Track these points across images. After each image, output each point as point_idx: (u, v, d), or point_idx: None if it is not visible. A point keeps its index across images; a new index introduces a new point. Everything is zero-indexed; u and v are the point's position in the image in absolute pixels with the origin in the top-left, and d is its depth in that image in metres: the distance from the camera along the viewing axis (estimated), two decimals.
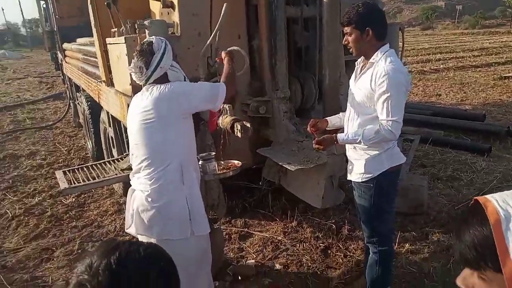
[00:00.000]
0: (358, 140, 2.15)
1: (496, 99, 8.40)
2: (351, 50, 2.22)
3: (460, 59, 14.85)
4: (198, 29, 3.13)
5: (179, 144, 2.03)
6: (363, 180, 2.26)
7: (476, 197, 0.73)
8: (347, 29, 2.17)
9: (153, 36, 2.15)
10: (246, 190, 3.85)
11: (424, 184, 3.71)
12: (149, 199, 1.99)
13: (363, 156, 2.26)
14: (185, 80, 2.17)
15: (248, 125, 2.77)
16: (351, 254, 3.03)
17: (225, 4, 2.75)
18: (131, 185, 2.14)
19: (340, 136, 2.25)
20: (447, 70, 12.42)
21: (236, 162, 2.58)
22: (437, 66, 13.09)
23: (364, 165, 2.24)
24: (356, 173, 2.30)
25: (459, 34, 31.60)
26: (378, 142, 2.13)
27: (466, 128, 5.96)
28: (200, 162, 2.34)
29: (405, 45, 4.19)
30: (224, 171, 2.48)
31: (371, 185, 2.24)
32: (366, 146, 2.22)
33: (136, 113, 2.03)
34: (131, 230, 2.10)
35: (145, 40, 2.15)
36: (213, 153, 2.51)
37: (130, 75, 2.16)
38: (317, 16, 3.43)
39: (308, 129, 2.51)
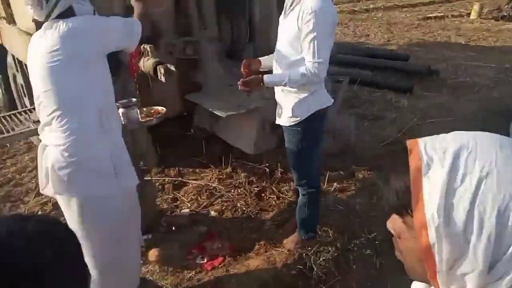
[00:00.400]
0: (284, 83, 2.10)
1: (420, 39, 8.76)
2: None
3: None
4: None
5: (96, 88, 1.79)
6: (291, 124, 2.25)
7: (408, 140, 0.69)
8: None
9: None
10: (179, 138, 3.70)
11: (351, 124, 3.83)
12: (66, 154, 1.76)
13: (290, 100, 2.21)
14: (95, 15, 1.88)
15: (173, 68, 2.57)
16: (284, 196, 3.10)
17: None
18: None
19: (267, 77, 2.17)
20: (376, 10, 12.63)
21: (159, 108, 2.41)
22: (367, 6, 13.24)
23: (291, 109, 2.21)
24: (284, 117, 2.27)
25: None
26: (304, 84, 2.09)
27: (392, 68, 6.17)
28: (121, 110, 2.14)
29: None
30: (148, 118, 2.30)
31: (299, 128, 2.23)
32: (294, 89, 2.17)
33: (40, 54, 1.73)
34: (47, 190, 1.88)
35: None
36: (134, 99, 2.28)
37: None
38: None
39: (242, 70, 2.36)
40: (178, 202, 3.08)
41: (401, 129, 4.27)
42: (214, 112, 2.79)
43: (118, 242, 1.92)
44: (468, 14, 11.38)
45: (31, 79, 1.84)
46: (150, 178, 3.01)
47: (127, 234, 1.99)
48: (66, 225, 0.70)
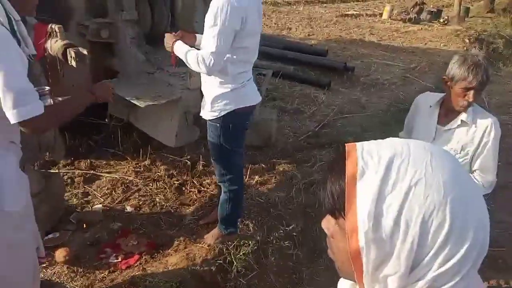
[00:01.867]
0: (183, 56, 2.10)
1: (337, 35, 9.20)
2: None
3: None
4: None
5: None
6: (210, 118, 2.22)
7: (346, 143, 0.71)
8: None
9: None
10: (92, 127, 3.39)
11: (273, 117, 3.89)
12: None
13: (211, 93, 2.18)
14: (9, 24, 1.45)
15: (85, 52, 2.34)
16: (205, 189, 3.04)
17: None
18: None
19: (178, 43, 2.14)
20: (298, 4, 12.99)
21: None
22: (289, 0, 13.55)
23: (211, 103, 2.18)
24: (206, 111, 2.24)
25: None
26: (194, 68, 2.09)
27: (312, 63, 6.39)
28: None
29: None
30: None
31: (217, 124, 2.21)
32: (215, 84, 2.15)
33: None
34: None
35: None
36: (47, 88, 1.99)
37: None
38: None
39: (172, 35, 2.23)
40: (89, 197, 2.86)
41: (319, 123, 4.46)
42: (132, 101, 2.62)
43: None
44: (381, 14, 12.22)
45: None
46: (57, 171, 2.74)
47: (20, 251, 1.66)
48: None
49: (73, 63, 2.40)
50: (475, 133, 1.95)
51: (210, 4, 1.99)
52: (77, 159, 3.21)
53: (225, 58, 2.06)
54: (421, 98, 2.16)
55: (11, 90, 1.38)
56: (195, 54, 2.03)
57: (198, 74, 2.65)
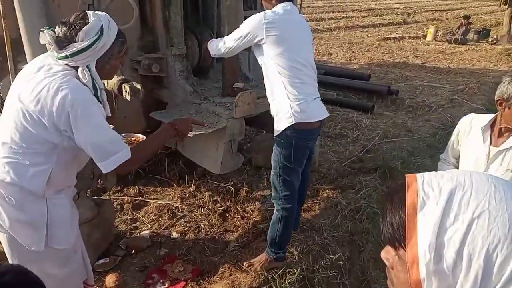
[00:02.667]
0: (212, 45, 2.48)
1: (380, 59, 9.12)
2: None
3: (350, 19, 15.69)
4: None
5: (61, 157, 1.58)
6: (275, 134, 2.37)
7: (407, 174, 0.72)
8: None
9: (96, 12, 1.61)
10: None
11: (316, 143, 3.88)
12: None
13: (275, 111, 2.37)
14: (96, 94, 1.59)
15: (139, 86, 2.50)
16: (249, 215, 3.07)
17: None
18: None
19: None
20: (338, 30, 13.06)
21: (140, 136, 2.23)
22: (329, 25, 13.67)
23: (276, 120, 2.36)
24: (274, 129, 2.40)
25: None
26: (213, 44, 2.47)
27: (354, 87, 6.36)
28: None
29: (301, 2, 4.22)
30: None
31: (280, 140, 2.34)
32: (274, 100, 2.35)
33: (22, 85, 1.55)
34: None
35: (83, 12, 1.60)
36: (111, 125, 2.09)
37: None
38: None
39: None
40: (137, 223, 2.96)
41: (364, 147, 4.39)
42: None
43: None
44: (424, 36, 12.00)
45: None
46: (108, 198, 2.88)
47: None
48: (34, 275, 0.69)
49: (128, 97, 2.56)
50: None
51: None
52: (126, 186, 3.36)
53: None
54: (466, 120, 2.09)
55: (99, 146, 1.54)
56: (219, 39, 2.47)
57: (243, 103, 2.75)
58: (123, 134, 2.22)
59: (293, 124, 2.26)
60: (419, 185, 0.68)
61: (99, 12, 1.61)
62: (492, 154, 1.94)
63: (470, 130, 2.05)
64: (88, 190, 2.80)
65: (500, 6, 12.89)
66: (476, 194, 0.64)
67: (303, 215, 3.10)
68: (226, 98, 2.97)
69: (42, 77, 1.52)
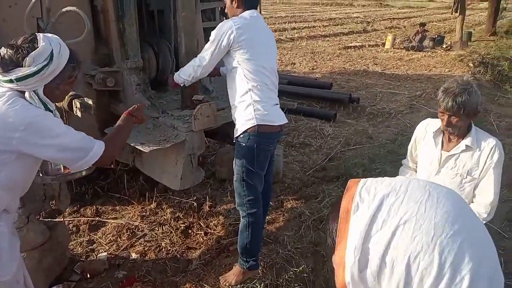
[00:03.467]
0: (180, 80, 2.50)
1: (341, 67, 9.32)
2: None
3: (312, 29, 16.00)
4: None
5: (5, 177, 1.49)
6: (235, 137, 2.39)
7: (350, 179, 0.73)
8: None
9: (47, 35, 1.53)
10: (98, 173, 3.43)
11: (280, 153, 3.87)
12: None
13: (236, 115, 2.38)
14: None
15: (90, 102, 2.39)
16: (212, 231, 3.00)
17: None
18: None
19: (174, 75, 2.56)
20: (301, 39, 13.27)
21: None
22: (292, 35, 13.86)
23: (238, 124, 2.37)
24: (235, 133, 2.41)
25: (311, 4, 34.00)
26: (184, 73, 2.47)
27: (316, 96, 6.45)
28: None
29: (264, 12, 4.23)
30: (73, 171, 1.96)
31: (240, 143, 2.36)
32: (234, 103, 2.37)
33: None
34: None
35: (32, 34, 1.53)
36: None
37: None
38: None
39: None
40: (94, 245, 2.82)
41: (326, 156, 4.43)
42: (137, 146, 2.64)
43: None
44: (383, 44, 12.40)
45: None
46: (62, 220, 2.73)
47: None
48: None
49: (78, 113, 2.45)
50: (480, 156, 1.92)
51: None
52: (83, 206, 3.21)
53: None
54: (422, 125, 2.15)
55: (73, 149, 1.54)
56: (189, 63, 2.46)
57: (203, 116, 2.70)
58: None
59: (256, 125, 2.29)
60: (357, 189, 0.68)
61: (50, 36, 1.55)
62: (443, 158, 2.01)
63: (425, 135, 2.11)
64: (41, 213, 2.65)
65: (452, 13, 13.53)
66: (407, 200, 0.65)
67: (267, 227, 3.06)
68: (185, 111, 2.91)
69: None
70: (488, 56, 10.13)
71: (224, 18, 4.01)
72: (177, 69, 3.34)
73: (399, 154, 4.25)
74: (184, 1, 2.85)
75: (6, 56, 1.46)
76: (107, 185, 3.40)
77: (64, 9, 2.41)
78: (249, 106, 2.31)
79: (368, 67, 9.36)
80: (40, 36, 1.50)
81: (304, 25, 17.00)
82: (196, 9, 3.28)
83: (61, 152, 1.53)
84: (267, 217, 3.16)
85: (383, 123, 5.68)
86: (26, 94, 1.48)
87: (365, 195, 0.67)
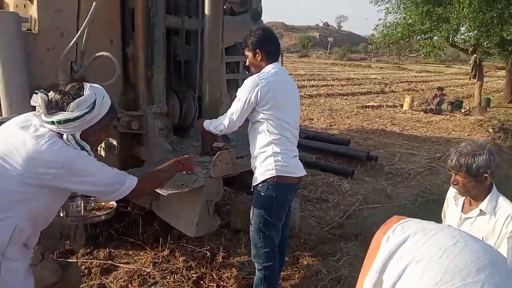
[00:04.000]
0: (212, 128, 2.54)
1: (359, 125, 9.38)
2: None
3: (330, 87, 16.40)
4: (61, 28, 2.71)
5: (32, 206, 1.54)
6: (254, 186, 2.41)
7: (396, 215, 0.78)
8: (245, 51, 2.48)
9: (93, 85, 1.64)
10: (113, 216, 3.38)
11: (296, 206, 3.80)
12: None
13: (256, 164, 2.41)
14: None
15: (115, 142, 2.44)
16: (224, 284, 2.88)
17: (94, 3, 2.42)
18: None
19: (205, 122, 2.63)
20: (319, 96, 13.55)
21: (111, 202, 2.13)
22: (310, 92, 14.19)
23: (257, 173, 2.39)
24: (253, 182, 2.42)
25: (330, 64, 35.19)
26: (215, 128, 2.52)
27: (334, 152, 6.44)
28: None
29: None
30: (94, 213, 2.01)
31: (261, 193, 2.36)
32: (255, 152, 2.41)
33: (2, 140, 1.53)
34: None
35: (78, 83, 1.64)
36: None
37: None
38: (199, 29, 3.29)
39: None
40: None
41: (344, 212, 4.32)
42: (155, 189, 2.62)
43: None
44: (401, 105, 12.53)
45: None
46: (75, 261, 2.67)
47: None
48: None
49: (102, 153, 2.49)
50: (496, 224, 1.85)
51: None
52: (96, 248, 3.15)
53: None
54: (450, 190, 2.12)
55: (106, 183, 1.64)
56: (218, 118, 2.53)
57: (222, 163, 2.70)
58: (93, 198, 2.13)
59: (275, 176, 2.30)
60: (395, 224, 0.73)
61: (96, 86, 1.64)
62: (461, 220, 1.99)
63: (450, 200, 2.13)
64: (55, 252, 2.61)
65: (470, 79, 13.73)
66: (431, 243, 0.66)
67: (282, 284, 2.93)
68: (205, 157, 2.92)
69: (30, 136, 1.51)
70: (508, 123, 10.09)
71: (247, 71, 4.16)
72: (199, 117, 3.42)
73: (420, 216, 4.10)
74: (211, 53, 2.97)
75: (53, 99, 1.55)
76: (122, 228, 3.35)
77: (97, 54, 2.54)
78: (269, 157, 2.33)
79: (386, 127, 9.39)
80: (87, 85, 1.59)
81: (323, 83, 17.44)
82: (221, 61, 3.40)
83: (94, 187, 1.62)
84: (282, 273, 3.03)
85: (402, 183, 5.57)
86: (64, 136, 1.55)
87: (398, 230, 0.71)
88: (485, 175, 1.81)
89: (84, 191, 1.67)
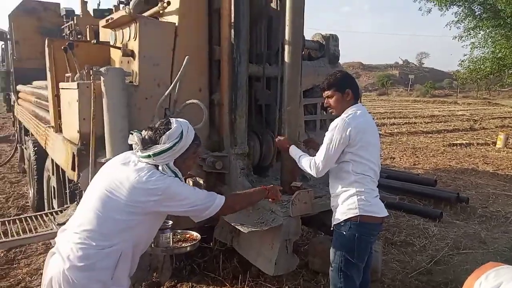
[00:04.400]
0: (296, 159, 2.60)
1: (446, 165, 8.79)
2: (330, 110, 2.58)
3: (412, 125, 15.70)
4: (157, 80, 3.06)
5: (135, 233, 1.76)
6: (335, 225, 2.43)
7: (491, 262, 0.79)
8: (327, 93, 2.53)
9: (178, 119, 1.90)
10: (196, 250, 3.58)
11: (378, 249, 3.65)
12: (68, 273, 1.65)
13: (338, 203, 2.42)
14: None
15: (201, 181, 2.64)
16: None
17: (186, 57, 2.72)
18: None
19: (293, 147, 2.72)
20: (401, 135, 13.03)
21: (194, 234, 2.33)
22: (391, 130, 13.73)
23: (339, 211, 2.41)
24: (334, 221, 2.44)
25: (412, 101, 33.80)
26: (304, 169, 2.54)
27: (419, 192, 6.10)
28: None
29: None
30: (180, 245, 2.21)
31: (343, 232, 2.35)
32: (336, 192, 2.44)
33: (108, 176, 1.79)
34: None
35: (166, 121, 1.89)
36: (170, 222, 2.20)
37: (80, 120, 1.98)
38: (279, 75, 3.48)
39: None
40: None
41: (432, 258, 4.03)
42: (236, 226, 2.75)
43: None
44: (494, 143, 11.52)
45: (87, 189, 1.86)
46: None
47: None
48: None
49: None
50: None
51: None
52: (180, 282, 3.32)
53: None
54: None
55: (198, 205, 1.84)
56: (308, 159, 2.49)
57: (300, 202, 2.75)
58: (179, 231, 2.33)
59: (358, 215, 2.29)
60: (490, 270, 0.74)
61: (180, 120, 1.88)
62: None
63: None
64: (142, 283, 2.82)
65: None
66: None
67: None
68: (284, 196, 3.00)
69: (131, 170, 1.76)
70: None
71: (324, 112, 4.23)
72: (278, 157, 3.55)
73: None
74: (290, 97, 3.10)
75: (146, 136, 1.80)
76: (204, 263, 3.51)
77: (188, 102, 2.82)
78: (353, 196, 2.34)
79: (478, 166, 8.68)
80: (173, 120, 1.85)
81: (404, 121, 16.78)
82: (299, 104, 3.53)
83: (190, 207, 1.82)
84: None
85: (498, 228, 5.06)
86: (160, 168, 1.78)
87: (491, 276, 0.71)
88: None
89: (182, 211, 1.84)
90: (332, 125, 2.39)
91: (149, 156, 1.76)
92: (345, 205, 2.35)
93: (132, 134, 1.82)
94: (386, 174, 6.71)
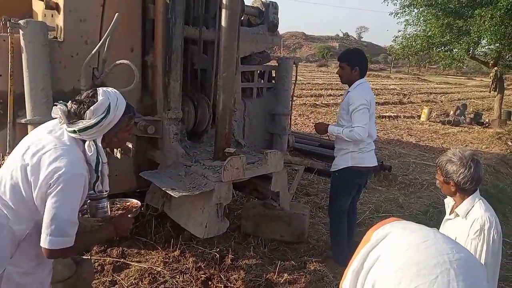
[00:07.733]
0: (340, 135, 3.13)
1: None
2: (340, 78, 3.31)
3: None
4: (85, 37, 2.87)
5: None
6: (332, 169, 3.33)
7: (394, 217, 0.88)
8: (341, 64, 3.22)
9: (107, 89, 1.70)
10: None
11: (306, 213, 3.86)
12: None
13: (336, 153, 3.31)
14: (97, 164, 1.68)
15: (130, 145, 2.57)
16: (232, 285, 2.96)
17: (117, 14, 2.57)
18: None
19: (331, 126, 3.29)
20: (336, 106, 13.54)
21: (134, 201, 2.16)
22: (327, 101, 14.22)
23: (335, 159, 3.31)
24: (333, 165, 3.34)
25: None
26: (351, 139, 3.09)
27: None
28: (88, 202, 1.88)
29: (302, 78, 4.46)
30: (119, 212, 2.06)
31: (336, 173, 3.29)
32: (340, 146, 3.24)
33: (31, 145, 1.62)
34: None
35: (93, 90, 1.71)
36: (106, 191, 1.93)
37: None
38: (216, 40, 3.41)
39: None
40: (116, 286, 2.84)
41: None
42: (167, 191, 2.74)
43: None
44: (418, 116, 12.43)
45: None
46: (89, 257, 2.81)
47: None
48: None
49: (118, 155, 2.62)
50: (465, 226, 1.90)
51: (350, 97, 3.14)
52: (110, 246, 3.28)
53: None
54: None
55: (58, 220, 1.55)
56: (349, 131, 3.08)
57: (232, 167, 2.81)
58: (117, 199, 2.17)
59: (348, 166, 3.18)
60: (391, 222, 0.83)
61: (110, 90, 1.70)
62: (444, 221, 2.10)
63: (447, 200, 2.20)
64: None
65: (490, 92, 13.51)
66: (404, 239, 0.76)
67: (287, 287, 2.99)
68: (216, 162, 3.03)
69: (50, 140, 1.62)
70: None
71: (261, 80, 4.27)
72: (213, 123, 3.55)
73: (430, 226, 4.09)
74: (226, 62, 3.08)
75: (72, 109, 1.64)
76: (135, 228, 3.48)
77: (118, 62, 2.69)
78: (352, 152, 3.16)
79: (402, 137, 9.35)
80: (100, 91, 1.66)
81: (340, 93, 17.40)
82: (236, 70, 3.52)
83: (52, 212, 1.55)
84: (288, 277, 3.10)
85: (415, 194, 5.56)
86: (86, 144, 1.65)
87: (386, 228, 0.80)
88: (451, 181, 1.90)
89: (47, 208, 1.56)
90: (353, 98, 3.07)
91: (74, 132, 1.62)
92: (340, 158, 3.27)
93: (56, 106, 1.65)
94: (319, 142, 7.00)
